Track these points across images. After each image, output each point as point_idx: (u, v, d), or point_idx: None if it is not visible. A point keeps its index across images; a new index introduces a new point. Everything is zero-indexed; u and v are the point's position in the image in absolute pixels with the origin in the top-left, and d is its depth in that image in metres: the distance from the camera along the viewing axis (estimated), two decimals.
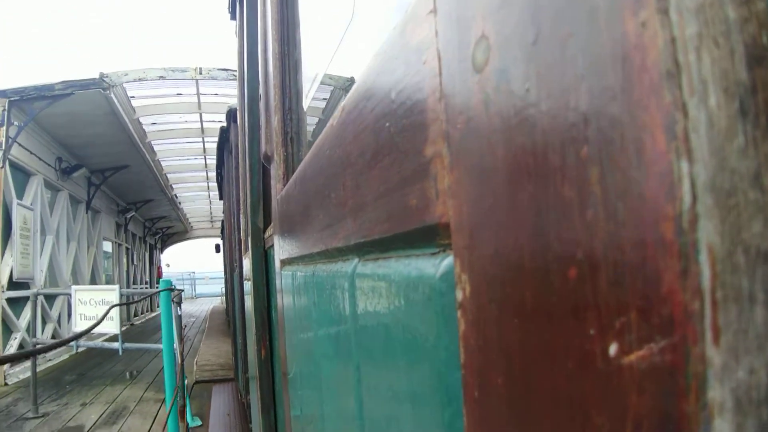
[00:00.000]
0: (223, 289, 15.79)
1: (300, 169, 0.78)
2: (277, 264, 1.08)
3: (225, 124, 4.50)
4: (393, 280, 0.39)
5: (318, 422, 0.72)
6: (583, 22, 0.19)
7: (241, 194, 2.73)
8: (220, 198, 7.44)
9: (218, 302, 22.32)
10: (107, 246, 12.23)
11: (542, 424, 0.22)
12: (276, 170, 1.12)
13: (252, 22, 1.98)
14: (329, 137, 0.56)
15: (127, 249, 14.66)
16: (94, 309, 4.25)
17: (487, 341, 0.26)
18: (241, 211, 2.72)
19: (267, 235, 1.78)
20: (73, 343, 5.01)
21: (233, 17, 2.83)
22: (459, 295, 0.29)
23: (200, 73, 6.76)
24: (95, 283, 9.76)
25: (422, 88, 0.33)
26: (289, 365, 1.01)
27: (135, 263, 15.98)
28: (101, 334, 6.74)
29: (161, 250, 22.93)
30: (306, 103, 1.16)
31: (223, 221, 8.31)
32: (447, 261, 0.31)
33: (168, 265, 27.33)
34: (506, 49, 0.24)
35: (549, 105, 0.21)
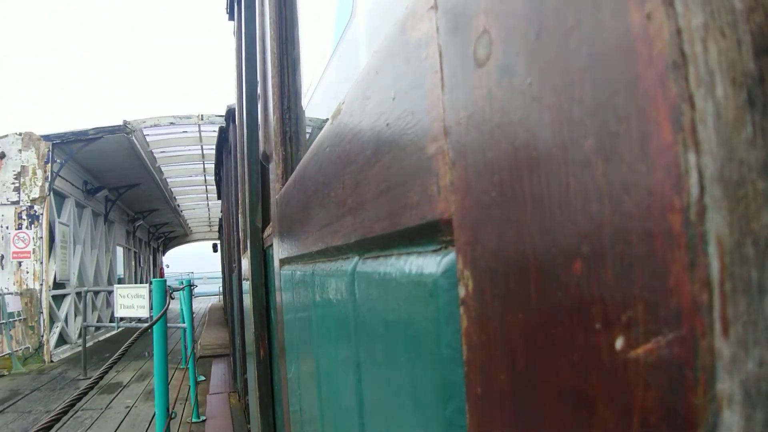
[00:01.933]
0: (221, 289, 16.48)
1: (299, 168, 0.78)
2: (276, 263, 1.08)
3: (224, 125, 4.57)
4: (394, 278, 0.39)
5: (318, 421, 0.72)
6: (587, 14, 0.19)
7: (239, 194, 2.72)
8: (218, 198, 7.83)
9: (215, 300, 22.67)
10: (119, 251, 14.17)
11: (547, 420, 0.21)
12: (275, 170, 1.12)
13: (250, 21, 1.97)
14: (328, 136, 0.56)
15: (135, 253, 16.21)
16: (130, 300, 5.93)
17: (490, 337, 0.26)
18: (240, 210, 2.72)
19: (266, 234, 1.77)
20: (114, 323, 7.95)
21: (231, 17, 2.82)
22: (461, 292, 0.28)
23: (202, 119, 8.91)
24: (111, 283, 11.89)
25: (423, 84, 0.33)
26: (289, 364, 1.01)
27: (141, 265, 17.52)
28: (133, 318, 8.89)
29: (163, 253, 23.30)
30: (305, 102, 1.16)
31: (221, 221, 9.04)
32: (449, 257, 0.31)
33: (168, 266, 27.69)
34: (508, 44, 0.24)
35: (553, 98, 0.21)
